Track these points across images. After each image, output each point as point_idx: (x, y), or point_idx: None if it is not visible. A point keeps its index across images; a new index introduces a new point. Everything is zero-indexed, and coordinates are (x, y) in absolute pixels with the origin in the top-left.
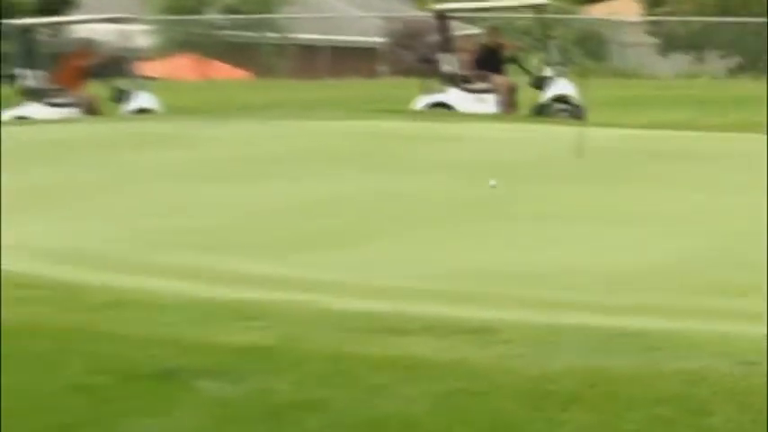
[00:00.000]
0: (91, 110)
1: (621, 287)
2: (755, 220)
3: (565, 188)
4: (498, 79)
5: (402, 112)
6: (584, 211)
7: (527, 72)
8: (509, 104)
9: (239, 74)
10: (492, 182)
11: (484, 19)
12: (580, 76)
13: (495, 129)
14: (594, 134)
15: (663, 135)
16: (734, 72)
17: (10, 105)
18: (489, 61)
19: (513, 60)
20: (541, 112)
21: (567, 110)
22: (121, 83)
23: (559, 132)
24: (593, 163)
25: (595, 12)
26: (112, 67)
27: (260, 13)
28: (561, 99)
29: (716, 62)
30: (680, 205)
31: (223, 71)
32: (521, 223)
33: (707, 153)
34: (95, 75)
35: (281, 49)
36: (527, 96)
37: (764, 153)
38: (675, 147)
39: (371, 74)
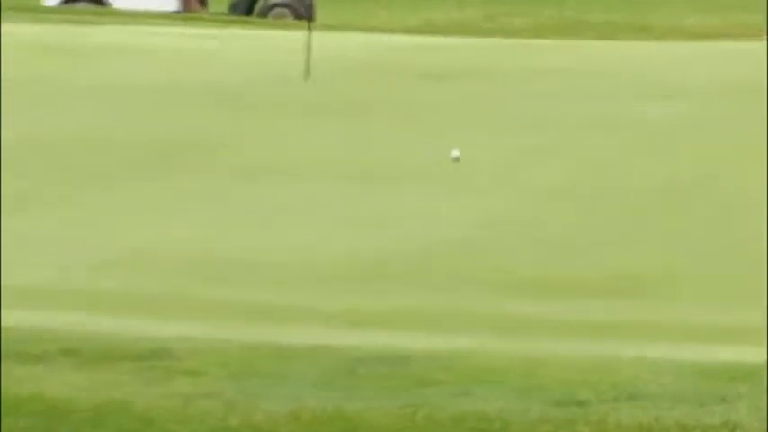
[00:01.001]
0: None
1: (361, 284)
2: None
3: (284, 128)
4: None
5: (29, 10)
6: (316, 165)
7: None
8: None
9: None
10: (455, 152)
11: None
12: None
13: (173, 36)
14: (330, 43)
15: (435, 44)
16: None
17: None
18: None
19: None
20: (246, 8)
21: (288, 5)
22: None
23: (274, 41)
24: (327, 89)
25: None
26: None
27: None
28: None
29: None
30: (459, 160)
31: None
32: (218, 181)
33: (497, 70)
34: None
35: None
36: None
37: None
38: (454, 62)
39: None
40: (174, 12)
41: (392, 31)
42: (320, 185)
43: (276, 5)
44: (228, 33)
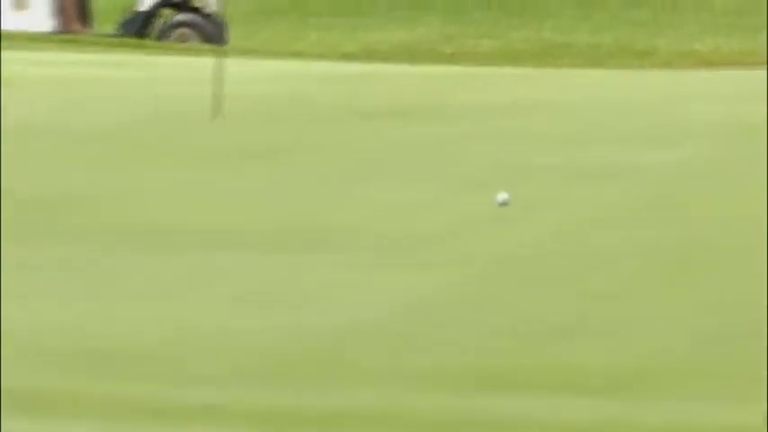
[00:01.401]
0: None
1: (265, 378)
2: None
3: (184, 180)
4: None
5: None
6: (223, 227)
7: None
8: (71, 15)
9: None
10: (501, 195)
11: None
12: None
13: (48, 64)
14: (246, 72)
15: (377, 74)
16: None
17: None
18: None
19: None
20: (140, 28)
21: (194, 24)
22: None
23: (176, 69)
24: (240, 131)
25: None
26: None
27: None
28: (181, 5)
29: None
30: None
31: None
32: (101, 247)
33: (455, 106)
34: None
35: None
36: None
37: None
38: (400, 97)
39: None
40: (49, 33)
41: (323, 57)
42: (226, 253)
43: (179, 24)
44: (117, 60)
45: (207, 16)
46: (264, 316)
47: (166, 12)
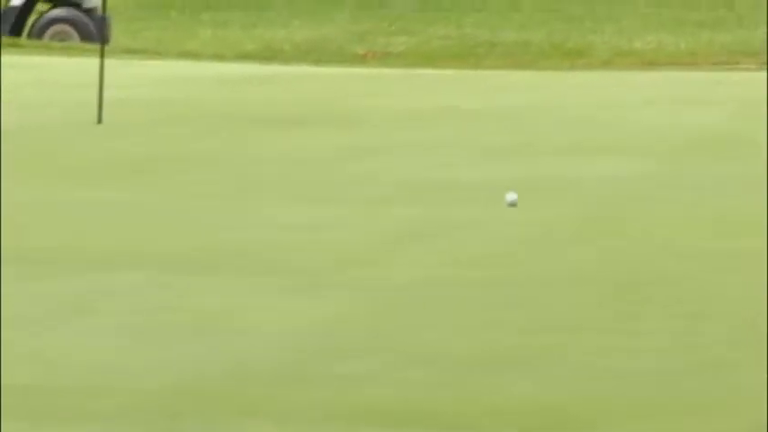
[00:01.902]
0: None
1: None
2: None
3: (60, 196)
4: None
5: None
6: (114, 249)
7: None
8: None
9: None
10: (510, 196)
11: None
12: None
13: None
14: (132, 74)
15: (277, 75)
16: None
17: None
18: None
19: None
20: (15, 25)
21: (72, 21)
22: None
23: (53, 71)
24: (124, 139)
25: None
26: None
27: None
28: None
29: None
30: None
31: None
32: None
33: (364, 112)
34: None
35: None
36: None
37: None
38: (303, 101)
39: None
40: None
41: (218, 57)
42: (107, 276)
43: (56, 21)
44: None
45: (87, 11)
46: (150, 346)
47: (42, 7)
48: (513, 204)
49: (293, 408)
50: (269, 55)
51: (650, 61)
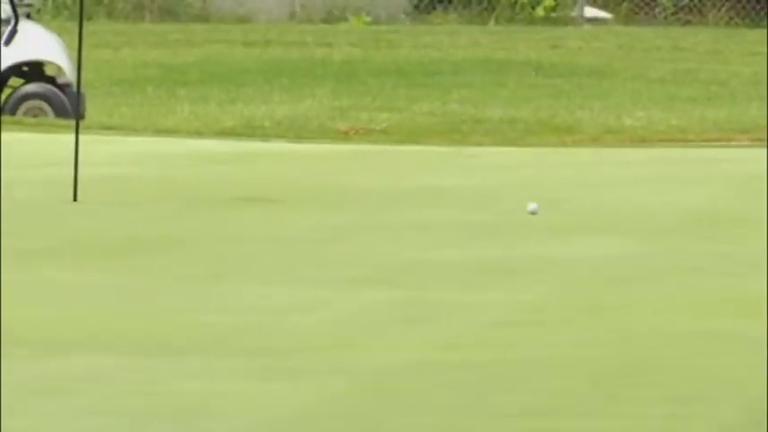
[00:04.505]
0: None
1: None
2: None
3: (31, 279)
4: None
5: None
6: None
7: None
8: None
9: None
10: (532, 206)
11: None
12: (73, 15)
13: None
14: (107, 151)
15: (257, 152)
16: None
17: None
18: None
19: None
20: None
21: (46, 96)
22: None
23: (26, 146)
24: (97, 220)
25: None
26: None
27: None
28: (32, 73)
29: None
30: None
31: None
32: None
33: (346, 190)
34: None
35: None
36: None
37: None
38: (283, 179)
39: None
40: None
41: (196, 133)
42: (81, 359)
43: (29, 96)
44: None
45: (61, 87)
46: (124, 431)
47: (14, 82)
48: (533, 213)
49: None
50: (248, 131)
51: (641, 138)
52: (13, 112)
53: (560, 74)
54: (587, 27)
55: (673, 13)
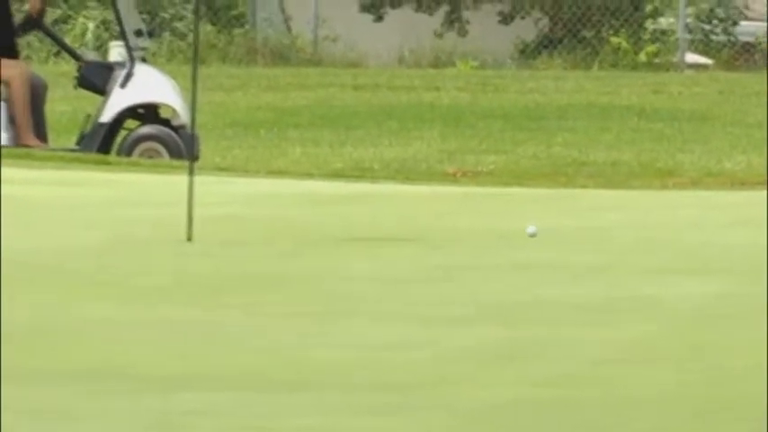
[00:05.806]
0: None
1: None
2: None
3: (152, 318)
4: (10, 68)
5: None
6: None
7: (69, 52)
8: (25, 128)
9: None
10: (531, 228)
11: None
12: (187, 59)
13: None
14: (221, 192)
15: (367, 194)
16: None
17: None
18: None
19: (34, 25)
20: (103, 142)
21: (161, 138)
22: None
23: (142, 188)
24: (211, 261)
25: None
26: None
27: None
28: (147, 116)
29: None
30: None
31: None
32: None
33: (454, 232)
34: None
35: None
36: (68, 108)
37: None
38: (394, 220)
39: None
40: (2, 146)
41: (307, 175)
42: (194, 395)
43: (145, 138)
44: (77, 177)
45: (176, 129)
46: None
47: (130, 124)
48: (533, 235)
49: None
50: (358, 173)
51: (740, 181)
52: (128, 154)
53: (662, 118)
54: (688, 72)
55: None
